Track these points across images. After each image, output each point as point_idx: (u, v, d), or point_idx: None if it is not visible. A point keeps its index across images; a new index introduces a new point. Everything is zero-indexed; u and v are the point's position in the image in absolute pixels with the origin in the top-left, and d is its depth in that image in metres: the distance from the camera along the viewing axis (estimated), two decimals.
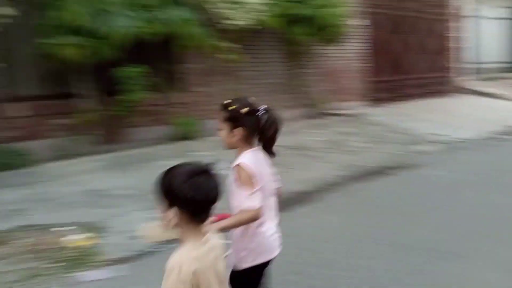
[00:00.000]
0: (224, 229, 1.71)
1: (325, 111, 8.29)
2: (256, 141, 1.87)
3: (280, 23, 6.78)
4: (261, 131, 1.84)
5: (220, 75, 7.04)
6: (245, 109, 1.81)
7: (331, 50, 8.29)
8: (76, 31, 4.71)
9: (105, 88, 5.53)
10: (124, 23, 4.87)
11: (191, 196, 1.35)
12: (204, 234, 1.43)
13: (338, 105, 8.48)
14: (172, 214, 1.38)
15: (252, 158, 1.83)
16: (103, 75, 5.40)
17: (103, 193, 4.47)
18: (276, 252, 1.90)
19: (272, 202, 1.92)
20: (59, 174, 4.91)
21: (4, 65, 4.71)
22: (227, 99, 1.85)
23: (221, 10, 5.98)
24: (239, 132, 1.82)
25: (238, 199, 1.79)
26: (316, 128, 7.69)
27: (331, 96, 8.48)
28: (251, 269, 1.81)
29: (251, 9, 6.01)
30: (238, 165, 1.81)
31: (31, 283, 2.86)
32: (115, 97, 5.60)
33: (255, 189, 1.76)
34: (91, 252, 3.27)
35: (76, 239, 3.42)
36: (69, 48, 4.68)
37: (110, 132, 5.79)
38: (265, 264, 1.87)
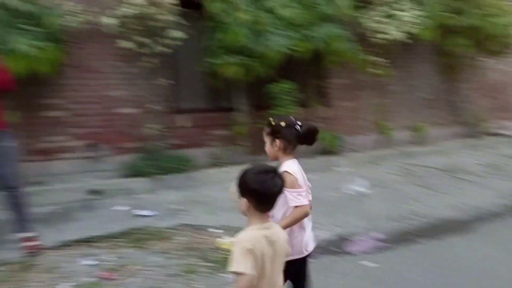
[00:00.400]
0: (285, 228, 1.98)
1: (484, 130, 7.47)
2: (294, 152, 2.14)
3: (435, 35, 6.37)
4: (302, 141, 2.14)
5: (365, 90, 6.94)
6: (283, 124, 2.12)
7: (494, 63, 7.46)
8: (236, 51, 5.16)
9: (256, 103, 5.93)
10: (279, 43, 5.16)
11: (256, 189, 1.72)
12: (266, 221, 1.77)
13: (500, 124, 7.55)
14: (243, 202, 1.76)
15: (293, 166, 2.12)
16: (255, 91, 5.80)
17: None
18: (307, 252, 2.17)
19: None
20: (215, 180, 5.39)
21: (172, 82, 5.41)
22: (269, 118, 2.17)
23: (374, 24, 5.91)
24: (278, 143, 2.13)
25: (286, 202, 2.05)
26: (473, 149, 7.00)
27: (492, 114, 7.61)
28: (288, 262, 1.95)
29: (405, 22, 5.80)
30: (284, 171, 2.03)
31: (186, 279, 3.14)
32: (265, 111, 5.96)
33: (300, 190, 2.06)
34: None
35: (228, 241, 3.69)
36: (229, 66, 5.17)
37: (259, 144, 6.12)
38: (299, 260, 2.13)
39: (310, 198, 2.22)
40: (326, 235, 3.86)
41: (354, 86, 6.90)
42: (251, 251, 1.65)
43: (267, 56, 5.17)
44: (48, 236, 3.78)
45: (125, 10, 4.65)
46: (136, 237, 3.78)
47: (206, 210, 4.48)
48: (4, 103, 3.49)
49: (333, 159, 6.26)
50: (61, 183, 4.94)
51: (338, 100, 6.84)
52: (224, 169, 5.58)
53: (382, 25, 5.92)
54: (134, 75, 5.36)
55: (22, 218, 3.62)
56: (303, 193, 2.07)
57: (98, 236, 3.80)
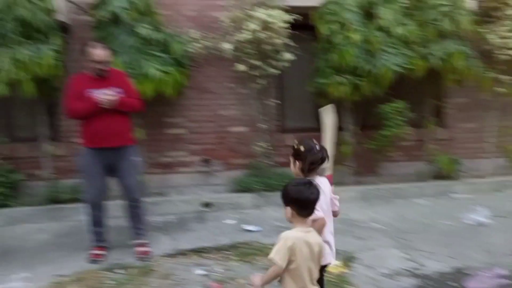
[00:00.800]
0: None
1: None
2: (315, 171, 2.37)
3: None
4: (320, 163, 2.37)
5: (487, 110, 6.34)
6: (302, 147, 2.37)
7: None
8: (347, 70, 5.16)
9: (362, 122, 5.81)
10: (391, 61, 5.03)
11: (296, 198, 2.07)
12: (307, 226, 2.11)
13: None
14: (287, 211, 2.12)
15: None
16: (362, 110, 5.69)
17: (354, 223, 4.66)
18: (329, 261, 2.40)
19: (330, 220, 2.43)
20: None
21: (279, 101, 5.58)
22: (294, 141, 2.44)
23: (498, 40, 5.44)
24: (297, 164, 2.39)
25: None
26: None
27: None
28: None
29: None
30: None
31: None
32: (372, 131, 5.82)
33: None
34: (339, 280, 3.40)
35: (335, 265, 3.62)
36: (338, 86, 5.17)
37: (364, 165, 6.00)
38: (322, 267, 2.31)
39: (337, 209, 2.55)
40: (440, 266, 3.59)
41: (474, 105, 6.36)
42: (290, 248, 2.02)
43: (379, 75, 5.06)
44: (165, 243, 4.13)
45: (240, 35, 4.93)
46: (243, 251, 3.92)
47: None
48: (133, 121, 3.94)
49: (449, 184, 5.81)
50: (178, 194, 5.39)
51: (456, 120, 6.37)
52: None
53: (507, 40, 5.41)
54: (245, 96, 5.65)
55: (139, 226, 3.97)
56: (318, 207, 2.23)
57: (209, 247, 4.03)
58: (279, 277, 2.10)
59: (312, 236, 2.10)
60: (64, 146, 5.35)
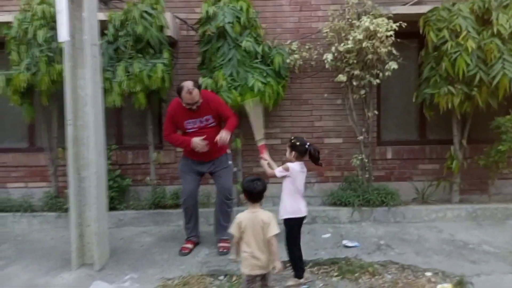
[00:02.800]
0: (263, 164, 3.66)
1: None
2: (302, 159, 3.49)
3: None
4: (309, 154, 3.44)
5: None
6: (298, 142, 3.44)
7: None
8: (456, 80, 4.83)
9: (471, 136, 5.38)
10: (509, 70, 4.61)
11: (246, 190, 3.01)
12: (255, 208, 3.00)
13: None
14: (243, 197, 3.07)
15: (295, 164, 3.46)
16: (472, 123, 5.27)
17: (464, 245, 4.32)
18: (302, 215, 3.53)
19: (303, 190, 3.53)
20: (421, 218, 5.11)
21: (377, 113, 5.36)
22: (291, 137, 3.53)
23: None
24: (293, 154, 3.47)
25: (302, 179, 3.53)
26: None
27: None
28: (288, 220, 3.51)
29: None
30: (287, 163, 3.47)
31: None
32: (481, 145, 5.37)
33: (283, 171, 3.45)
34: None
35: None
36: (450, 97, 4.85)
37: (472, 182, 5.55)
38: (297, 219, 3.51)
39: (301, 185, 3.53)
40: None
41: None
42: (239, 224, 2.95)
43: (496, 85, 4.66)
44: None
45: (342, 45, 4.84)
46: (344, 267, 3.80)
47: (414, 249, 4.23)
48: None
49: None
50: (274, 205, 5.38)
51: None
52: (431, 206, 5.20)
53: None
54: (342, 107, 5.53)
55: (225, 224, 4.37)
56: (283, 173, 3.46)
57: (308, 260, 3.96)
58: (237, 244, 3.01)
59: (257, 215, 2.95)
60: (168, 154, 5.64)
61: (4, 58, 5.28)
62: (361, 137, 5.20)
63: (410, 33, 5.09)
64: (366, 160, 5.21)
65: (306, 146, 3.41)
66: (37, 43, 4.86)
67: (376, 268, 3.77)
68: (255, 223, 2.92)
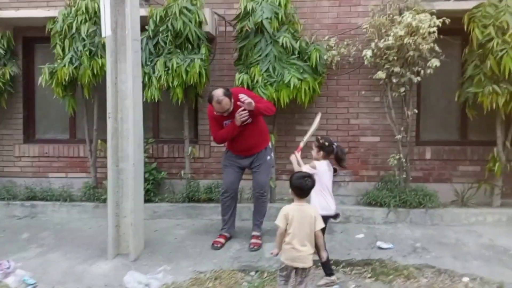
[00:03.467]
0: (293, 160, 3.65)
1: None
2: (328, 158, 3.63)
3: None
4: (335, 155, 3.59)
5: None
6: (326, 143, 3.58)
7: None
8: (502, 79, 4.64)
9: None
10: None
11: (296, 186, 3.07)
12: (302, 202, 3.07)
13: None
14: (291, 192, 3.12)
15: (323, 163, 3.58)
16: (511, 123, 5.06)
17: (504, 251, 4.15)
18: (332, 212, 3.56)
19: (331, 188, 3.62)
20: (459, 221, 4.94)
21: (417, 111, 5.19)
22: (318, 137, 3.67)
23: None
24: (321, 154, 3.60)
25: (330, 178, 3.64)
26: None
27: None
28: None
29: None
30: (313, 162, 3.57)
31: None
32: None
33: (310, 169, 3.46)
34: None
35: None
36: (495, 96, 4.65)
37: None
38: (327, 217, 3.50)
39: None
40: None
41: None
42: (285, 215, 3.00)
43: None
44: None
45: (383, 41, 4.72)
46: (378, 269, 3.73)
47: (451, 253, 4.09)
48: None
49: None
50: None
51: None
52: (471, 210, 5.02)
53: None
54: (379, 105, 5.41)
55: (259, 219, 4.47)
56: (311, 171, 3.41)
57: (341, 260, 3.92)
58: (281, 236, 3.05)
59: (304, 209, 3.05)
60: (203, 148, 5.70)
61: (49, 52, 5.48)
62: (399, 136, 5.06)
63: (453, 29, 4.89)
64: (403, 160, 5.07)
65: (334, 146, 3.57)
66: (81, 38, 5.03)
67: (411, 271, 3.68)
68: (302, 216, 2.99)
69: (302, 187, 3.02)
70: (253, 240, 4.35)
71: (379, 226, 4.92)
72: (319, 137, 3.63)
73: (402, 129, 5.11)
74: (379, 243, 4.34)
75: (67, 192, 5.57)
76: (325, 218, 3.43)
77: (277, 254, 3.11)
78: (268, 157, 4.44)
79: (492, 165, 5.04)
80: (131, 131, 3.95)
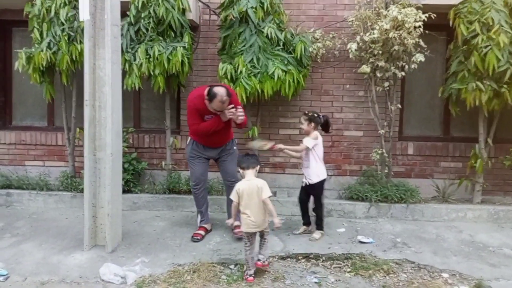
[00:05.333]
0: (287, 151, 4.33)
1: None
2: (316, 129, 4.20)
3: None
4: (325, 122, 4.23)
5: None
6: (315, 115, 4.17)
7: None
8: (485, 76, 4.64)
9: (497, 135, 5.19)
10: None
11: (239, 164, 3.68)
12: (249, 176, 3.57)
13: None
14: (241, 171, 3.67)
15: (318, 133, 4.19)
16: (499, 121, 5.08)
17: (483, 247, 4.18)
18: (326, 176, 4.41)
19: (322, 157, 4.29)
20: (440, 216, 4.96)
21: (400, 106, 5.19)
22: (304, 112, 4.28)
23: None
24: (312, 125, 4.14)
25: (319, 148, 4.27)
26: None
27: None
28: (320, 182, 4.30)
29: None
30: (312, 133, 4.17)
31: None
32: (507, 144, 5.19)
33: (313, 140, 4.12)
34: None
35: None
36: (477, 93, 4.65)
37: (495, 183, 5.37)
38: (324, 180, 4.36)
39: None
40: None
41: None
42: (237, 192, 3.51)
43: None
44: (275, 245, 4.08)
45: (368, 35, 4.68)
46: (358, 264, 3.71)
47: (431, 249, 4.10)
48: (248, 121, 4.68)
49: None
50: (287, 196, 5.33)
51: None
52: (451, 206, 5.04)
53: None
54: (363, 99, 5.39)
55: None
56: (315, 142, 4.15)
57: (321, 254, 3.90)
58: (235, 208, 3.59)
59: (252, 182, 3.50)
60: (184, 139, 5.61)
61: (27, 36, 5.29)
62: (382, 131, 5.05)
63: (439, 25, 4.90)
64: (386, 155, 5.07)
65: (321, 116, 4.23)
66: (59, 22, 4.86)
67: (391, 266, 3.67)
68: (251, 188, 3.48)
69: (241, 162, 3.63)
70: (236, 230, 4.21)
71: (360, 221, 4.91)
72: (306, 111, 4.24)
73: (385, 124, 5.10)
74: (359, 237, 4.33)
75: (44, 181, 5.42)
76: (323, 182, 4.33)
77: (232, 224, 3.79)
78: (235, 147, 4.49)
79: (473, 162, 5.07)
80: (109, 119, 3.84)
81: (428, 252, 4.02)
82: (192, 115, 4.15)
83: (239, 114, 4.07)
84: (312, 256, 3.89)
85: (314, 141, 4.15)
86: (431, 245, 4.20)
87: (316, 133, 4.18)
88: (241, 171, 3.63)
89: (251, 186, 3.49)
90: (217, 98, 3.90)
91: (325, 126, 4.28)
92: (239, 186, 3.54)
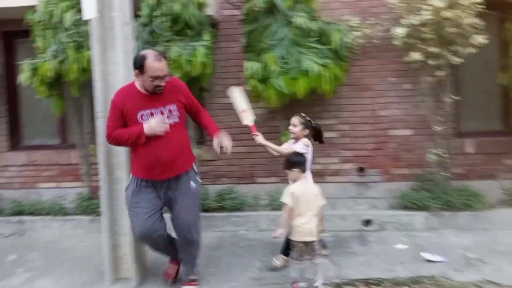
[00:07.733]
0: (267, 147, 3.58)
1: None
2: (310, 136, 3.62)
3: None
4: (315, 132, 3.65)
5: None
6: (312, 120, 3.64)
7: None
8: None
9: None
10: None
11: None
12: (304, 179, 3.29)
13: None
14: (292, 174, 3.31)
15: (308, 142, 3.57)
16: None
17: None
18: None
19: (310, 169, 3.59)
20: (509, 223, 4.26)
21: (458, 98, 4.50)
22: (301, 114, 3.62)
23: None
24: (305, 130, 3.57)
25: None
26: None
27: None
28: None
29: None
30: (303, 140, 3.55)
31: None
32: None
33: (304, 147, 3.49)
34: None
35: None
36: None
37: None
38: None
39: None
40: None
41: None
42: (292, 193, 3.14)
43: None
44: (326, 268, 3.46)
45: (417, 17, 4.02)
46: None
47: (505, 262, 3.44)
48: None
49: None
50: (331, 208, 4.69)
51: None
52: None
53: None
54: (411, 92, 4.75)
55: (191, 265, 3.36)
56: (305, 149, 3.49)
57: (383, 278, 3.26)
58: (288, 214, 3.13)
59: (308, 186, 3.24)
60: (210, 150, 5.01)
61: (33, 48, 4.82)
62: (439, 128, 4.36)
63: (496, 3, 4.21)
64: (445, 156, 4.37)
65: (313, 122, 3.64)
66: (64, 28, 4.35)
67: None
68: (309, 194, 3.19)
69: (303, 162, 3.28)
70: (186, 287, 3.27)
71: (421, 234, 4.22)
72: (302, 114, 3.66)
73: (440, 119, 4.41)
74: (425, 255, 3.67)
75: (59, 205, 4.92)
76: None
77: (280, 237, 3.20)
78: (195, 185, 3.19)
79: None
80: None
81: (510, 268, 3.35)
82: (113, 113, 3.00)
83: (159, 125, 2.92)
84: (372, 281, 3.26)
85: (306, 149, 3.47)
86: (510, 259, 3.52)
87: (308, 141, 3.55)
88: (294, 173, 3.25)
89: (308, 191, 3.18)
90: (149, 58, 2.85)
91: (318, 136, 3.66)
92: (294, 189, 3.16)
